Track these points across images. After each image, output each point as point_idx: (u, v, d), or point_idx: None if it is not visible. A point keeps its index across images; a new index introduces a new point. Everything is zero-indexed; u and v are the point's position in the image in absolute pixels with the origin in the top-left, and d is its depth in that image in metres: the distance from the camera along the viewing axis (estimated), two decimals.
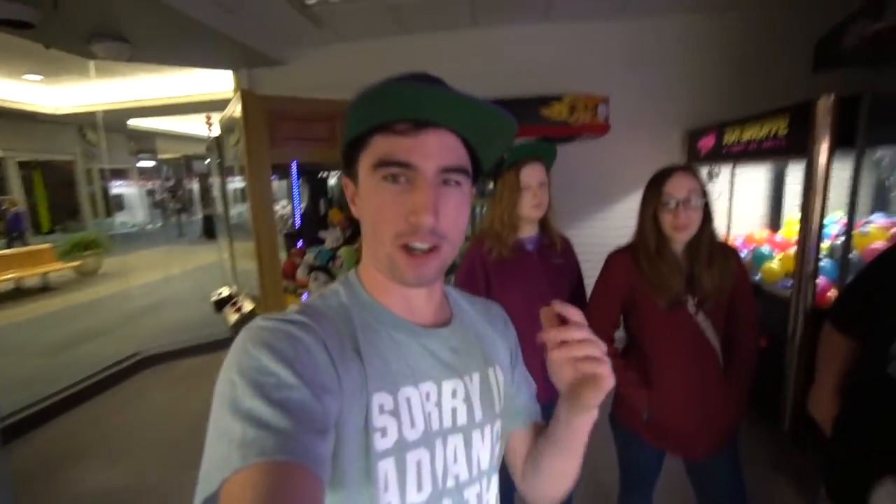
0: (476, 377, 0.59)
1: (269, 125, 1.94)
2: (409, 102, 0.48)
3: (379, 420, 0.49)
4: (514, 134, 0.55)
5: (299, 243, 2.79)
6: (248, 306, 2.34)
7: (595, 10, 3.48)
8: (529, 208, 1.39)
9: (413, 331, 0.56)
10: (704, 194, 1.19)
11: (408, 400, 0.52)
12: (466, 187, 0.53)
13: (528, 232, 1.46)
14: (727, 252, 1.24)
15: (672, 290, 1.19)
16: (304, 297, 2.21)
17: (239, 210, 3.23)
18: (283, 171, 4.35)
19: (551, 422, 0.59)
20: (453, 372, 0.57)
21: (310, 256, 2.51)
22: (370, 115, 0.50)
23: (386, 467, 0.49)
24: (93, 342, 4.36)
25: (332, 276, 2.20)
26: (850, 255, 2.19)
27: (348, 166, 0.55)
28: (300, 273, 2.32)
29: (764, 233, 3.17)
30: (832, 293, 2.27)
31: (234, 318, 2.31)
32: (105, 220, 12.01)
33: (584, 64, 3.68)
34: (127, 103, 7.75)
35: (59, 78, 6.52)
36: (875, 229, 2.38)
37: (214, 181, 3.47)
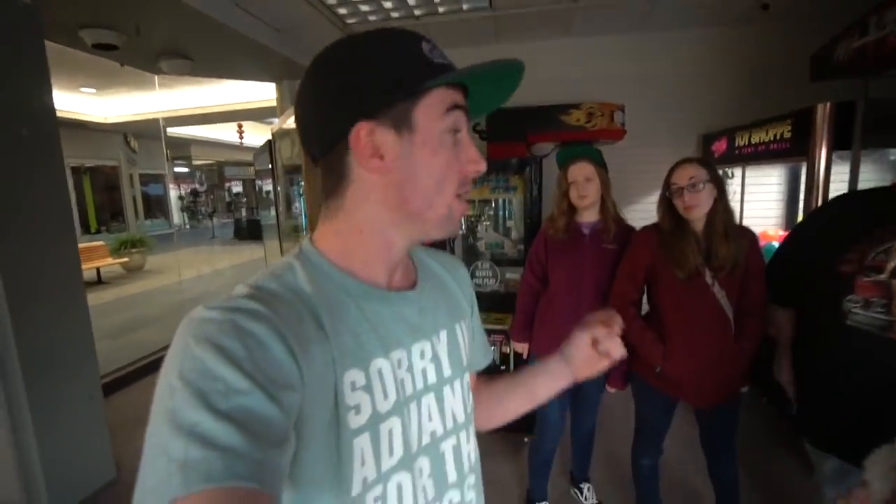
0: (444, 334, 0.59)
1: None
2: (486, 74, 0.50)
3: (352, 398, 0.47)
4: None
5: None
6: None
7: (614, 26, 3.72)
8: (576, 199, 1.70)
9: (384, 297, 0.53)
10: (712, 179, 1.40)
11: (379, 372, 0.50)
12: None
13: (588, 217, 1.75)
14: (744, 232, 1.46)
15: (690, 263, 1.41)
16: None
17: (273, 213, 3.52)
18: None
19: (528, 375, 0.72)
20: (421, 333, 0.56)
21: None
22: (460, 75, 0.49)
23: (362, 443, 0.47)
24: (149, 328, 4.78)
25: None
26: None
27: (375, 106, 0.47)
28: None
29: (779, 231, 3.35)
30: None
31: None
32: (145, 222, 12.73)
33: (601, 75, 3.91)
34: (169, 112, 8.32)
35: (111, 90, 7.11)
36: None
37: (261, 185, 3.78)
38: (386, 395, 0.50)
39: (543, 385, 0.70)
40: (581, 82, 3.90)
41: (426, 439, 0.55)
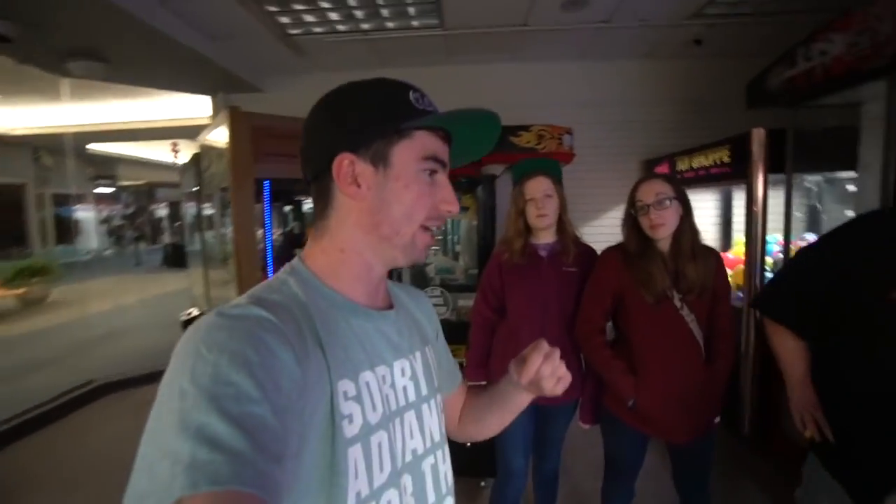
0: (418, 355, 0.63)
1: (253, 141, 2.01)
2: (463, 121, 0.58)
3: (345, 407, 0.49)
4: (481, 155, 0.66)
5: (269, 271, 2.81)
6: None
7: (559, 54, 3.82)
8: (534, 218, 1.54)
9: (368, 315, 0.57)
10: (678, 196, 1.32)
11: (367, 384, 0.53)
12: None
13: (544, 238, 1.59)
14: (709, 251, 1.39)
15: (658, 286, 1.31)
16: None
17: (207, 238, 3.20)
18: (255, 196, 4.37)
19: (496, 392, 0.73)
20: (400, 352, 0.60)
21: None
22: (441, 119, 0.57)
23: (355, 454, 0.49)
24: (42, 371, 4.07)
25: None
26: None
27: (358, 142, 0.54)
28: None
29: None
30: None
31: None
32: (56, 248, 11.35)
33: (550, 100, 3.99)
34: (88, 126, 7.54)
35: (15, 97, 6.32)
36: None
37: (187, 208, 3.42)
38: (374, 408, 0.52)
39: (511, 401, 0.72)
40: (530, 106, 3.94)
41: (409, 456, 0.57)
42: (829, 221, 2.94)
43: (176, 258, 11.39)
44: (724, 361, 1.37)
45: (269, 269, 2.78)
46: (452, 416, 0.78)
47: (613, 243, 1.59)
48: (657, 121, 3.98)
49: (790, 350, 1.20)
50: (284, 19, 3.05)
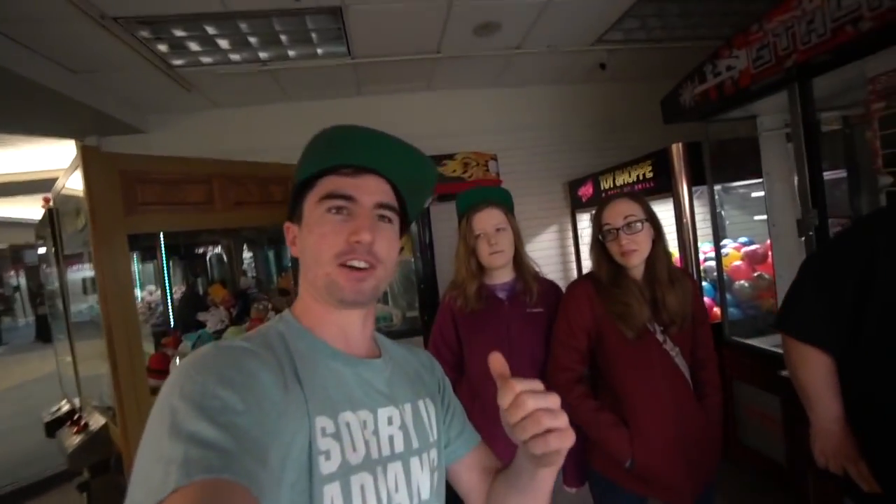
0: (408, 407, 0.62)
1: (123, 189, 1.59)
2: (355, 149, 0.59)
3: (322, 443, 0.50)
4: (435, 178, 0.68)
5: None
6: (97, 422, 1.77)
7: (474, 81, 3.80)
8: (488, 256, 1.32)
9: (348, 360, 0.59)
10: (649, 216, 1.18)
11: (348, 424, 0.53)
12: (396, 226, 0.62)
13: (501, 278, 1.38)
14: (684, 275, 1.25)
15: (637, 318, 1.14)
16: None
17: (89, 304, 2.60)
18: (146, 252, 3.71)
19: (512, 469, 0.60)
20: (388, 400, 0.59)
21: (186, 345, 2.05)
22: (323, 159, 0.59)
23: (332, 492, 0.49)
24: None
25: None
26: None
27: (293, 210, 0.62)
28: (174, 368, 1.86)
29: None
30: (716, 310, 2.53)
31: (75, 440, 1.72)
32: None
33: (468, 128, 3.93)
34: None
35: None
36: (732, 251, 2.77)
37: (51, 272, 2.78)
38: (355, 448, 0.53)
39: (527, 481, 0.56)
40: (449, 134, 3.84)
41: (399, 500, 0.55)
42: (733, 227, 3.12)
43: (47, 331, 9.61)
44: (715, 395, 1.23)
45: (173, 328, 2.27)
46: (473, 485, 0.69)
47: (546, 275, 1.45)
48: (576, 142, 4.09)
49: (822, 380, 1.00)
50: (163, 48, 2.63)
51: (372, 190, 0.59)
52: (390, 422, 0.58)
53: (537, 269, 1.43)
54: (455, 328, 1.39)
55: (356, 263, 0.55)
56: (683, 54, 3.48)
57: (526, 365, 1.33)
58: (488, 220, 1.34)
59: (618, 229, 1.16)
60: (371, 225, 0.56)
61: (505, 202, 1.40)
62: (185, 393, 0.42)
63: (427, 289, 2.15)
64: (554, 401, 0.45)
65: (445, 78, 3.66)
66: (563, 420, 0.44)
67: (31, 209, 8.97)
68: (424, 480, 0.60)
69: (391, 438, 0.57)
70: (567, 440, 0.44)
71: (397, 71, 3.36)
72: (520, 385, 0.45)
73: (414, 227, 2.39)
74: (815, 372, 1.01)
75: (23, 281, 13.10)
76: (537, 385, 0.46)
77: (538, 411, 0.43)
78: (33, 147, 5.09)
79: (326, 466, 0.50)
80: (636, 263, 1.18)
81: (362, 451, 0.53)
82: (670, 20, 3.04)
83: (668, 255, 1.22)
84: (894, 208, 1.15)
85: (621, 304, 1.16)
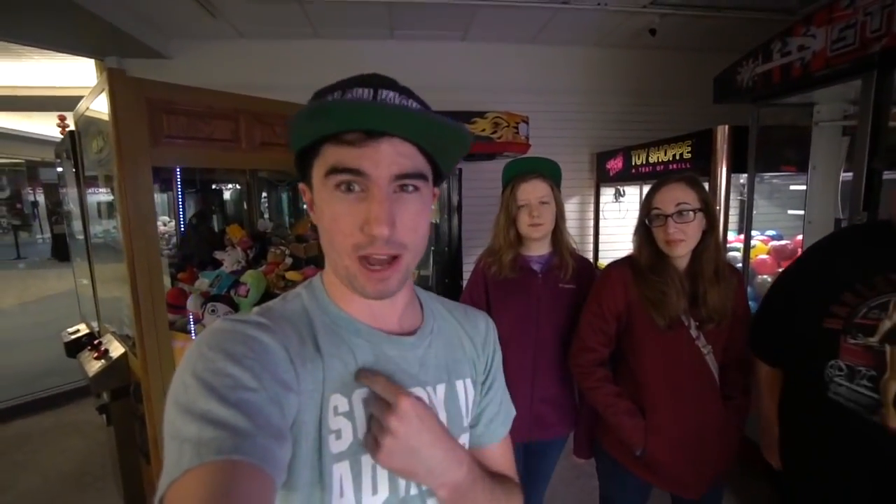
0: (441, 389, 0.58)
1: (150, 118, 1.53)
2: (358, 116, 0.47)
3: (334, 422, 0.49)
4: (469, 142, 0.54)
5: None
6: (116, 349, 1.81)
7: (510, 34, 3.57)
8: (527, 227, 1.32)
9: (374, 337, 0.55)
10: (704, 206, 1.11)
11: (363, 401, 0.51)
12: (426, 192, 0.52)
13: (538, 251, 1.37)
14: (732, 272, 1.19)
15: (672, 308, 1.10)
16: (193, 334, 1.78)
17: (105, 227, 2.62)
18: (163, 183, 3.67)
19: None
20: (415, 381, 0.56)
21: (204, 283, 2.06)
22: (319, 126, 0.48)
23: (340, 471, 0.48)
24: None
25: (235, 308, 1.80)
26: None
27: (303, 173, 0.54)
28: (191, 303, 1.87)
29: None
30: None
31: (95, 365, 1.77)
32: None
33: (501, 84, 3.75)
34: None
35: None
36: (759, 244, 2.69)
37: (69, 193, 2.78)
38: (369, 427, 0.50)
39: None
40: (480, 89, 3.67)
41: (413, 489, 0.54)
42: (759, 218, 3.01)
43: (64, 250, 9.86)
44: (743, 398, 1.20)
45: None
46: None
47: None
48: (608, 111, 3.90)
49: (762, 383, 1.18)
50: None
51: (386, 160, 0.47)
52: None
53: (575, 245, 1.40)
54: (486, 293, 1.39)
55: (376, 257, 0.48)
56: (740, 26, 3.23)
57: (549, 340, 1.34)
58: (533, 191, 1.31)
59: (668, 216, 1.09)
60: (389, 211, 0.47)
61: (553, 175, 1.37)
62: (198, 371, 0.42)
63: (452, 255, 2.10)
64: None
65: (483, 29, 3.44)
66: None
67: (46, 125, 8.89)
68: None
69: None
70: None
71: (435, 16, 3.15)
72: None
73: (443, 187, 2.31)
74: (758, 376, 1.19)
75: (40, 198, 13.25)
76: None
77: None
78: (50, 62, 4.96)
79: (336, 445, 0.49)
80: (681, 254, 1.12)
81: None
82: None
83: (719, 248, 1.15)
84: (837, 236, 1.21)
85: (658, 291, 1.11)
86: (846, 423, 0.92)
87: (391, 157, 0.47)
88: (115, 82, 1.43)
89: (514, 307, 1.34)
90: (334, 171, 0.48)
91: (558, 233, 1.36)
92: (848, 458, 0.94)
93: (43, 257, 10.59)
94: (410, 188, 0.49)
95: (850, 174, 1.80)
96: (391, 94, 0.48)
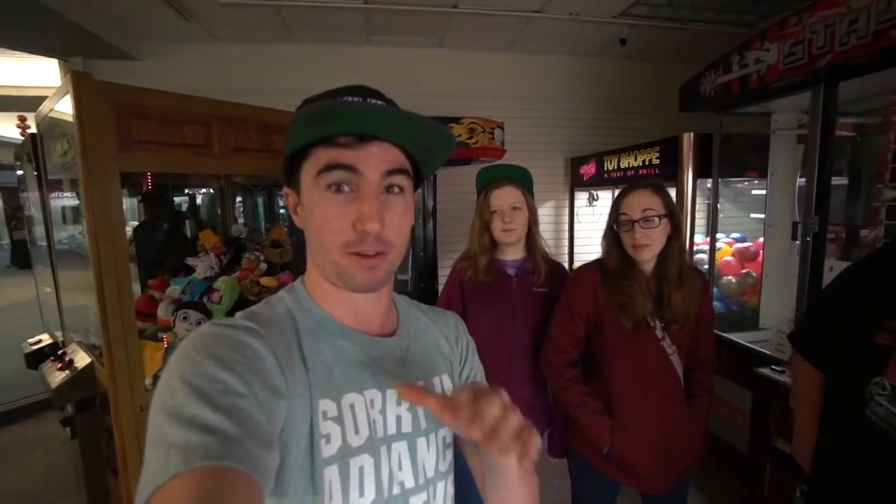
0: (421, 386, 0.57)
1: (117, 123, 1.49)
2: (353, 119, 0.48)
3: (324, 427, 0.49)
4: (453, 147, 0.57)
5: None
6: (82, 359, 1.75)
7: (485, 42, 3.63)
8: (500, 232, 1.36)
9: (358, 339, 0.56)
10: (668, 213, 1.16)
11: (352, 406, 0.52)
12: (409, 194, 0.55)
13: (512, 255, 1.41)
14: (696, 274, 1.24)
15: (638, 310, 1.14)
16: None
17: (70, 233, 2.54)
18: (131, 188, 3.55)
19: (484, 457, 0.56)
20: (398, 380, 0.54)
21: (175, 289, 2.01)
22: (314, 130, 0.50)
23: (329, 475, 0.49)
24: None
25: (208, 315, 1.77)
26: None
27: (289, 177, 0.55)
28: (162, 311, 1.83)
29: None
30: None
31: (59, 376, 1.70)
32: None
33: (477, 91, 3.80)
34: None
35: None
36: (724, 246, 2.81)
37: (30, 197, 2.67)
38: (357, 430, 0.52)
39: (495, 465, 0.53)
40: (456, 96, 3.72)
41: (396, 489, 0.54)
42: (724, 221, 3.14)
43: (25, 257, 9.40)
44: (705, 396, 1.25)
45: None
46: (472, 455, 0.66)
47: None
48: (581, 118, 4.00)
49: (800, 382, 1.10)
50: None
51: (378, 159, 0.50)
52: (399, 402, 0.56)
53: (547, 250, 1.44)
54: (462, 297, 1.42)
55: (367, 251, 0.51)
56: (704, 38, 3.38)
57: (524, 342, 1.37)
58: (505, 197, 1.35)
59: (634, 221, 1.14)
60: (378, 209, 0.49)
61: (524, 182, 1.41)
62: (186, 375, 0.41)
63: (426, 256, 2.12)
64: (498, 404, 0.39)
65: (459, 36, 3.49)
66: (514, 421, 0.39)
67: (2, 126, 8.47)
68: (430, 460, 0.58)
69: (399, 418, 0.56)
70: (525, 441, 0.39)
71: (410, 22, 3.18)
72: (465, 408, 0.38)
73: (418, 192, 2.33)
74: (798, 377, 1.10)
75: None
76: (478, 392, 0.40)
77: (497, 426, 0.38)
78: (8, 60, 4.74)
79: (326, 450, 0.49)
80: (647, 258, 1.18)
81: (365, 432, 0.52)
82: (699, 0, 2.92)
83: (683, 252, 1.21)
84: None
85: (625, 294, 1.16)
86: (875, 444, 0.88)
87: (381, 156, 0.50)
88: (81, 86, 1.40)
89: (490, 310, 1.38)
90: (328, 168, 0.49)
91: (531, 237, 1.40)
92: (870, 477, 0.90)
93: (2, 265, 10.10)
94: (396, 189, 0.52)
95: (804, 180, 1.91)
96: (379, 103, 0.52)
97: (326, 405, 0.50)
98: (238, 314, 0.53)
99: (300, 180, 0.53)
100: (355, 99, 0.50)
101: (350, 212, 0.49)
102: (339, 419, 0.50)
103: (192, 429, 0.37)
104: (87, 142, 1.42)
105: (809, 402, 1.08)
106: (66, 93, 1.48)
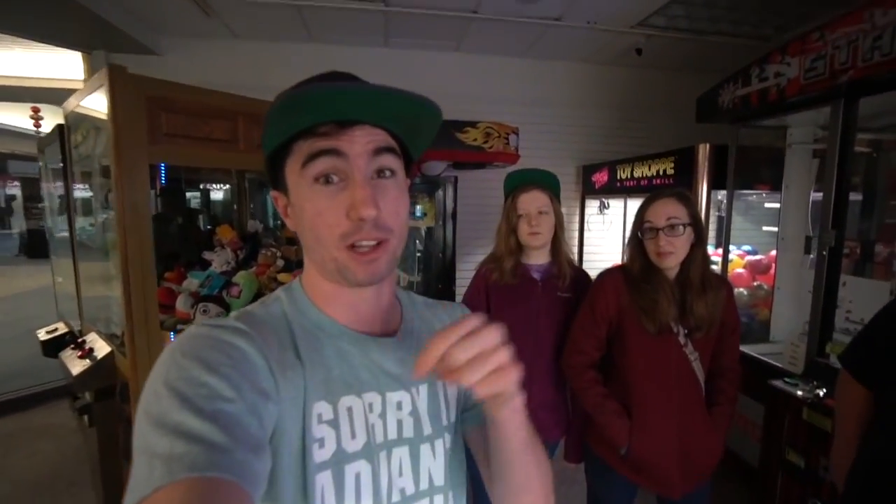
0: (423, 388, 0.56)
1: (148, 116, 1.52)
2: (330, 104, 0.46)
3: (317, 430, 0.47)
4: (439, 119, 0.52)
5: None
6: (102, 349, 1.77)
7: (502, 47, 3.66)
8: (526, 235, 1.37)
9: (357, 340, 0.54)
10: (693, 221, 1.17)
11: (349, 410, 0.50)
12: (401, 177, 0.52)
13: (537, 259, 1.43)
14: (720, 282, 1.25)
15: (663, 315, 1.16)
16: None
17: (81, 224, 2.57)
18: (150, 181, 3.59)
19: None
20: (399, 383, 0.54)
21: (193, 282, 2.03)
22: (291, 123, 0.47)
23: (322, 481, 0.47)
24: None
25: (227, 308, 1.79)
26: None
27: (275, 178, 0.53)
28: (181, 303, 1.85)
29: None
30: None
31: (80, 365, 1.73)
32: None
33: (492, 95, 3.83)
34: None
35: None
36: (736, 258, 2.82)
37: (48, 188, 2.70)
38: (354, 435, 0.50)
39: (491, 429, 0.53)
40: (472, 99, 3.74)
41: (396, 496, 0.52)
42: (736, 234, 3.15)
43: (37, 247, 9.46)
44: (728, 405, 1.26)
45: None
46: (478, 446, 0.63)
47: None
48: (594, 126, 4.02)
49: (846, 399, 1.09)
50: None
51: (363, 140, 0.48)
52: (400, 407, 0.54)
53: (572, 256, 1.45)
54: (486, 298, 1.43)
55: (364, 243, 0.48)
56: (720, 50, 3.40)
57: (548, 346, 1.39)
58: (532, 202, 1.37)
59: (658, 229, 1.16)
60: (371, 193, 0.47)
61: (552, 187, 1.43)
62: (171, 380, 0.39)
63: (445, 258, 2.14)
64: (485, 340, 0.39)
65: (476, 41, 3.52)
66: (498, 358, 0.39)
67: (16, 117, 8.55)
68: (437, 467, 0.56)
69: (399, 423, 0.53)
70: (506, 378, 0.40)
71: (429, 26, 3.21)
72: (442, 341, 0.38)
73: (439, 193, 2.34)
74: (844, 395, 1.10)
75: (10, 191, 12.72)
76: (462, 329, 0.39)
77: (473, 360, 0.38)
78: (26, 51, 4.80)
79: (319, 455, 0.47)
80: (670, 266, 1.19)
81: (363, 437, 0.50)
82: (717, 12, 2.94)
83: (707, 260, 1.22)
84: None
85: (649, 298, 1.18)
86: None
87: (366, 138, 0.48)
88: (116, 79, 1.43)
89: (514, 312, 1.39)
90: (312, 157, 0.47)
91: (557, 243, 1.42)
92: None
93: (13, 254, 10.17)
94: (387, 173, 0.50)
95: (820, 194, 1.91)
96: (359, 85, 0.48)
97: (321, 408, 0.48)
98: (232, 314, 0.52)
99: (286, 179, 0.51)
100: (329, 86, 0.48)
101: (342, 201, 0.47)
102: (334, 423, 0.49)
103: (177, 437, 0.35)
104: (120, 133, 1.44)
105: (852, 420, 1.07)
106: (100, 86, 1.51)
